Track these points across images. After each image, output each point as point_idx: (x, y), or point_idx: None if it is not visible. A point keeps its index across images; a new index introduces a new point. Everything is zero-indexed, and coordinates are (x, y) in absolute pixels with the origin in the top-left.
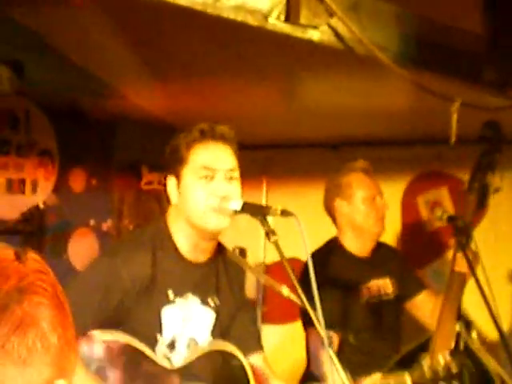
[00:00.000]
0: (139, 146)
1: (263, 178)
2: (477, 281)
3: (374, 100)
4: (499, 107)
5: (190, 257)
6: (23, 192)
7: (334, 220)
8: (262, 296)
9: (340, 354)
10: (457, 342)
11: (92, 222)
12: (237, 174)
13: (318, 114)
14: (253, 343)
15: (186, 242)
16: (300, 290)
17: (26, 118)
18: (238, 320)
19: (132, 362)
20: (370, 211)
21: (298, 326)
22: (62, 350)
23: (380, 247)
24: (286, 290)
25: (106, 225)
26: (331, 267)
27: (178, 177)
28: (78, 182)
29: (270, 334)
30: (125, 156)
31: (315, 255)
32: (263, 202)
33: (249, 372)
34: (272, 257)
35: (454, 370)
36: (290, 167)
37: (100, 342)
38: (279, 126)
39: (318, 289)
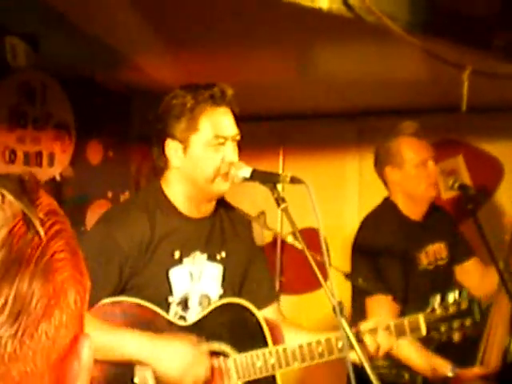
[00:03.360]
0: None
1: (280, 148)
2: None
3: (388, 69)
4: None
5: (190, 214)
6: (40, 165)
7: (386, 185)
8: (280, 266)
9: None
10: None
11: (110, 194)
12: (238, 138)
13: (334, 85)
14: (267, 295)
15: (186, 202)
16: (311, 258)
17: (42, 91)
18: (251, 273)
19: (146, 324)
20: (421, 176)
21: (316, 296)
22: (82, 308)
23: (433, 210)
24: (290, 238)
25: (124, 196)
26: (387, 231)
27: (183, 142)
28: (94, 154)
29: (288, 304)
30: (141, 127)
31: (369, 218)
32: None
33: (263, 325)
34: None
35: (464, 306)
36: (306, 138)
37: (112, 307)
38: (295, 97)
39: (376, 253)
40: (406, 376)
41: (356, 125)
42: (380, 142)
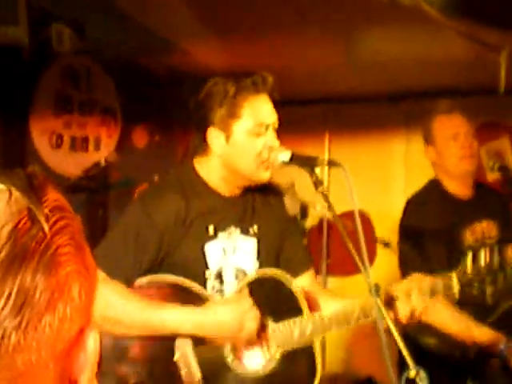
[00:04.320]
0: None
1: (326, 132)
2: None
3: (427, 51)
4: None
5: (222, 192)
6: (86, 150)
7: (432, 166)
8: (327, 248)
9: None
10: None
11: (156, 178)
12: (277, 124)
13: (377, 67)
14: (301, 262)
15: (222, 183)
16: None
17: (88, 77)
18: (285, 243)
19: (183, 300)
20: (452, 150)
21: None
22: (88, 302)
23: (481, 188)
24: (318, 206)
25: None
26: (433, 210)
27: (225, 130)
28: (140, 138)
29: (335, 286)
30: (187, 111)
31: (415, 198)
32: (326, 156)
33: (298, 295)
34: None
35: (496, 265)
36: (352, 121)
37: (149, 285)
38: (340, 81)
39: (421, 233)
40: (457, 353)
41: (402, 107)
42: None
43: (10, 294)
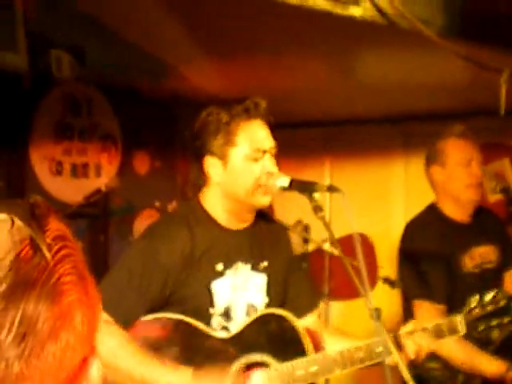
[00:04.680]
0: None
1: (326, 155)
2: None
3: (425, 74)
4: None
5: (230, 226)
6: (87, 176)
7: (433, 187)
8: (329, 272)
9: None
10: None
11: (157, 204)
12: (275, 150)
13: (375, 90)
14: (307, 303)
15: (226, 215)
16: (350, 269)
17: (88, 103)
18: (291, 281)
19: (187, 339)
20: (462, 176)
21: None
22: (91, 330)
23: (481, 212)
24: (327, 245)
25: (171, 206)
26: (431, 235)
27: (222, 157)
28: (141, 164)
29: (338, 309)
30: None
31: (414, 223)
32: (327, 179)
33: (303, 334)
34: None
35: (502, 304)
36: (351, 144)
37: (152, 323)
38: (338, 104)
39: (420, 258)
40: (461, 378)
41: (401, 130)
42: (430, 144)
43: (12, 323)
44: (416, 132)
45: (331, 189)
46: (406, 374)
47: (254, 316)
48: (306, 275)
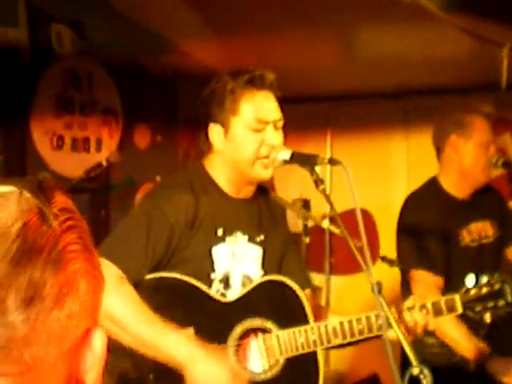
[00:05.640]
0: None
1: (327, 130)
2: None
3: (427, 48)
4: None
5: (230, 192)
6: (88, 150)
7: (440, 157)
8: (330, 247)
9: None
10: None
11: (158, 178)
12: (281, 123)
13: (377, 65)
14: (302, 280)
15: (228, 184)
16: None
17: (89, 77)
18: (286, 258)
19: (190, 299)
20: (481, 157)
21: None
22: (95, 301)
23: (482, 189)
24: (326, 223)
25: None
26: (430, 209)
27: (224, 125)
28: (142, 138)
29: (339, 284)
30: (188, 111)
31: (413, 197)
32: (328, 153)
33: (305, 302)
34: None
35: (497, 287)
36: (353, 119)
37: (155, 283)
38: (340, 79)
39: (418, 230)
40: (459, 355)
41: (402, 104)
42: (449, 112)
43: (19, 288)
44: (417, 106)
45: (332, 162)
46: (407, 347)
47: (258, 281)
48: (299, 254)
